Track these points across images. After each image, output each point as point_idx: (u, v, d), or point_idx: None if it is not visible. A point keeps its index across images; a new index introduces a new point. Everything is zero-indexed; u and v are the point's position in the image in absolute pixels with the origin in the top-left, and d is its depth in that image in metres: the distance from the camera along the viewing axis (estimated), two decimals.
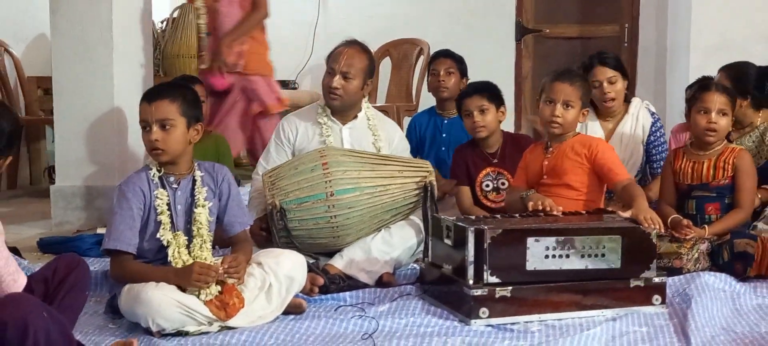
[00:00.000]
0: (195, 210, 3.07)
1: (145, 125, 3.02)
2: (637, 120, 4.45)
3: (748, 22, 6.07)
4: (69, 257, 2.81)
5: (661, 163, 4.35)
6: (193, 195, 3.10)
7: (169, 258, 3.01)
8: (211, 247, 3.10)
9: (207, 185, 3.12)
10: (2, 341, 2.21)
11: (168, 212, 3.04)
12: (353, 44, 3.93)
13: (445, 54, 4.91)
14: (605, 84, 4.35)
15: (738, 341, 2.81)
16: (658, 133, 4.44)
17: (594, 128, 4.39)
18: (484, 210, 4.04)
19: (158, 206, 3.03)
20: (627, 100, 4.50)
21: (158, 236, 3.02)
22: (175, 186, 3.08)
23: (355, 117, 3.96)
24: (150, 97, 3.05)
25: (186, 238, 3.05)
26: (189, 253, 3.03)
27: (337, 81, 3.83)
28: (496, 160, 4.16)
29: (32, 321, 2.25)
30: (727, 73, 4.33)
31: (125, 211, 3.02)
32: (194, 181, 3.11)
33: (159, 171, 3.08)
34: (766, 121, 4.27)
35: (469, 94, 4.17)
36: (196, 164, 3.15)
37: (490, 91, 4.16)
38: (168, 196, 3.06)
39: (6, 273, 2.43)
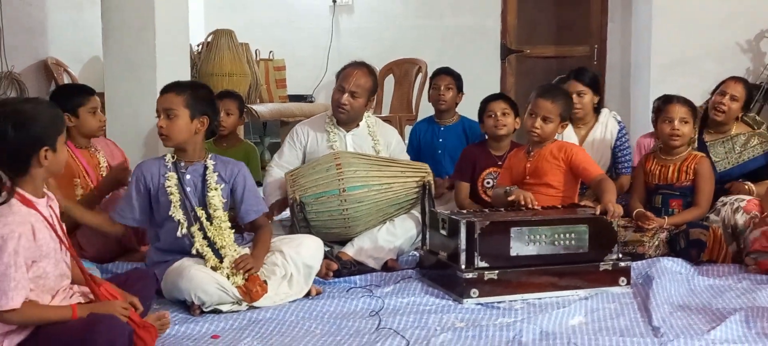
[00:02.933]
0: (208, 194, 3.02)
1: (157, 114, 3.02)
2: (606, 128, 4.44)
3: (700, 42, 6.06)
4: (141, 270, 2.82)
5: (625, 164, 4.36)
6: (204, 180, 3.04)
7: (177, 234, 2.98)
8: (229, 227, 3.04)
9: (218, 172, 3.07)
10: None
11: (178, 193, 3.00)
12: (362, 66, 3.91)
13: (446, 72, 4.88)
14: (574, 96, 4.33)
15: (693, 315, 2.81)
16: (623, 139, 4.43)
17: (569, 133, 4.38)
18: (482, 204, 4.03)
19: (168, 187, 3.00)
20: (597, 111, 4.48)
21: (170, 213, 2.98)
22: (183, 170, 3.04)
23: (358, 126, 3.96)
24: (162, 90, 3.05)
25: (205, 219, 3.00)
26: (207, 235, 2.98)
27: (346, 99, 3.82)
28: (501, 163, 4.13)
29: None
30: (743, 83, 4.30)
31: (129, 191, 3.07)
32: (206, 168, 3.06)
33: (173, 157, 3.06)
34: (740, 133, 4.23)
35: (494, 99, 4.19)
36: (209, 155, 3.10)
37: (511, 101, 4.22)
38: (177, 177, 3.02)
39: None
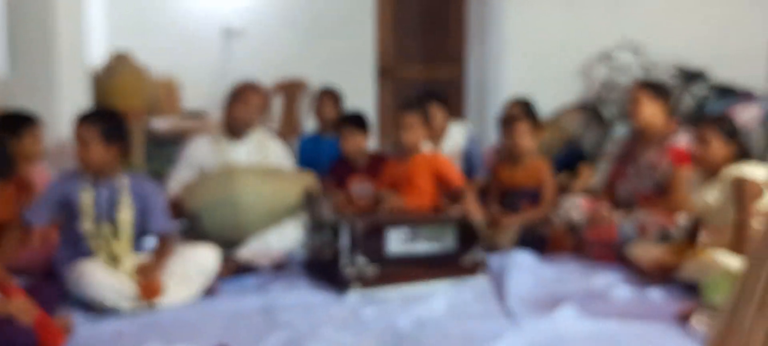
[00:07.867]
0: (118, 211, 2.91)
1: (75, 139, 2.91)
2: (452, 139, 4.61)
3: (543, 68, 6.35)
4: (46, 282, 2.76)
5: (478, 166, 4.50)
6: (115, 197, 2.93)
7: (84, 242, 2.88)
8: (131, 243, 2.95)
9: (132, 190, 2.95)
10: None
11: (91, 205, 2.89)
12: (254, 86, 3.87)
13: (331, 91, 4.89)
14: (439, 117, 4.49)
15: (540, 301, 2.93)
16: (472, 146, 4.59)
17: (425, 146, 4.52)
18: (354, 207, 4.04)
19: (83, 199, 2.88)
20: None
21: (81, 223, 2.87)
22: (97, 186, 2.91)
23: (249, 138, 3.87)
24: (79, 119, 2.93)
25: (111, 234, 2.90)
26: (111, 246, 2.88)
27: (245, 112, 3.77)
28: (362, 172, 4.17)
29: None
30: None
31: (45, 195, 2.96)
32: (118, 186, 2.94)
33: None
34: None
35: (344, 123, 4.15)
36: (123, 174, 2.98)
37: (359, 123, 4.16)
38: (93, 193, 2.91)
39: None
